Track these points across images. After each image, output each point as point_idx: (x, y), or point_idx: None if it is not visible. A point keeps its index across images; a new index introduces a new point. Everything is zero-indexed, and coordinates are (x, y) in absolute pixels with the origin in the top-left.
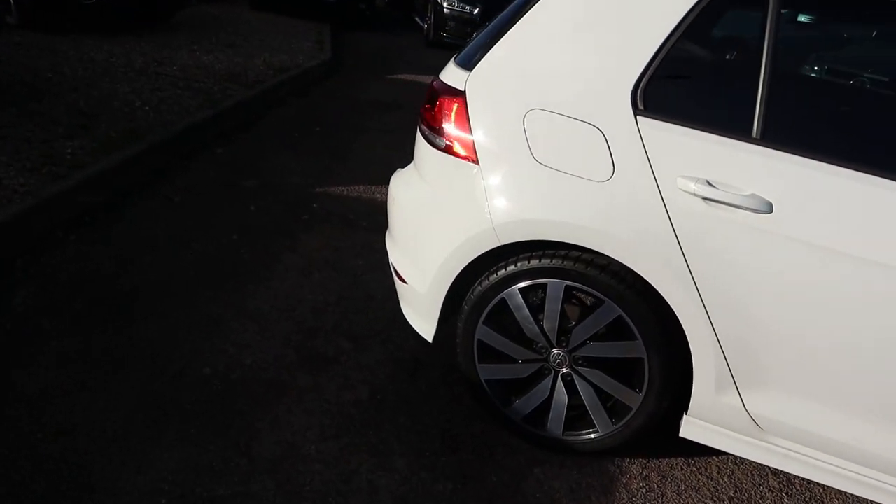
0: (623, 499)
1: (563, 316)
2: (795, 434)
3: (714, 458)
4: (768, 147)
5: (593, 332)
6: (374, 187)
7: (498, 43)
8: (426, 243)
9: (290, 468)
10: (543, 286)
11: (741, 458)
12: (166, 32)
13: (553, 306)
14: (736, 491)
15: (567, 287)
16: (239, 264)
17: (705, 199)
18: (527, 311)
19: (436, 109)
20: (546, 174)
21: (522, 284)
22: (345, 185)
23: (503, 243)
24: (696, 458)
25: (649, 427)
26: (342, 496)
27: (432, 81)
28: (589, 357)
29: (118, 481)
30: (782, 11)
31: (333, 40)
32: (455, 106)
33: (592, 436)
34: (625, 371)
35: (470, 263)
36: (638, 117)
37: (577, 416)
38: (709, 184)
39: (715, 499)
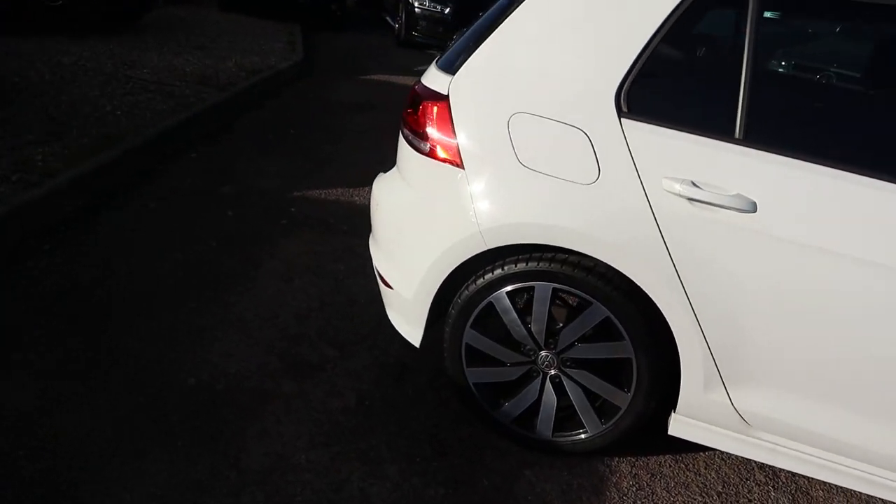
0: (614, 498)
1: (551, 318)
2: (782, 428)
3: (701, 454)
4: (751, 147)
5: (581, 333)
6: (351, 190)
7: (480, 46)
8: (412, 248)
9: (280, 479)
10: (531, 289)
11: (728, 453)
12: (134, 35)
13: (541, 309)
14: (724, 486)
15: (554, 289)
16: (219, 271)
17: (690, 199)
18: (514, 315)
19: (419, 114)
20: (532, 177)
21: (509, 288)
22: (322, 189)
23: (490, 247)
24: (683, 455)
25: (638, 426)
26: None
27: (414, 85)
28: (577, 358)
29: (105, 500)
30: (763, 13)
31: (304, 41)
32: (438, 110)
33: (582, 436)
34: (613, 371)
35: (456, 268)
36: (622, 119)
37: (567, 417)
38: (694, 184)
39: (704, 494)
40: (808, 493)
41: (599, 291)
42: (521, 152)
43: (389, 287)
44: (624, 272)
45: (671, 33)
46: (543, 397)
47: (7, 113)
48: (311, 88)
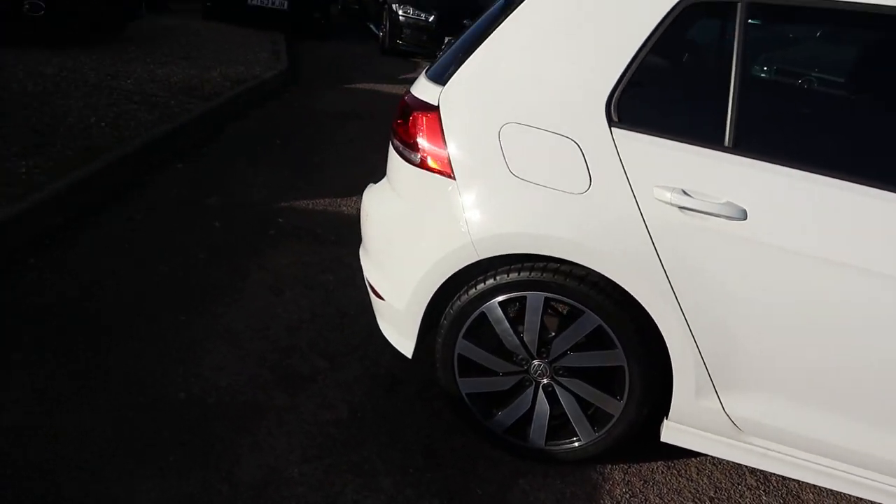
0: None
1: (543, 327)
2: (774, 433)
3: (693, 459)
4: (741, 155)
5: (573, 342)
6: (339, 200)
7: (470, 57)
8: (403, 260)
9: (274, 493)
10: (523, 299)
11: (719, 458)
12: (117, 45)
13: (533, 318)
14: (716, 491)
15: (546, 298)
16: (207, 284)
17: (681, 208)
18: (507, 324)
19: (409, 124)
20: (523, 187)
21: (502, 298)
22: (309, 199)
23: (482, 258)
24: (675, 461)
25: (631, 434)
26: None
27: (404, 96)
28: (569, 367)
29: None
30: (750, 22)
31: (289, 50)
32: (429, 121)
33: (576, 444)
34: (605, 379)
35: (448, 278)
36: (613, 129)
37: (559, 426)
38: (684, 193)
39: (696, 500)
40: (799, 497)
41: (591, 300)
42: (512, 162)
43: (381, 298)
44: (616, 281)
45: (660, 43)
46: (536, 406)
47: None
48: (297, 98)
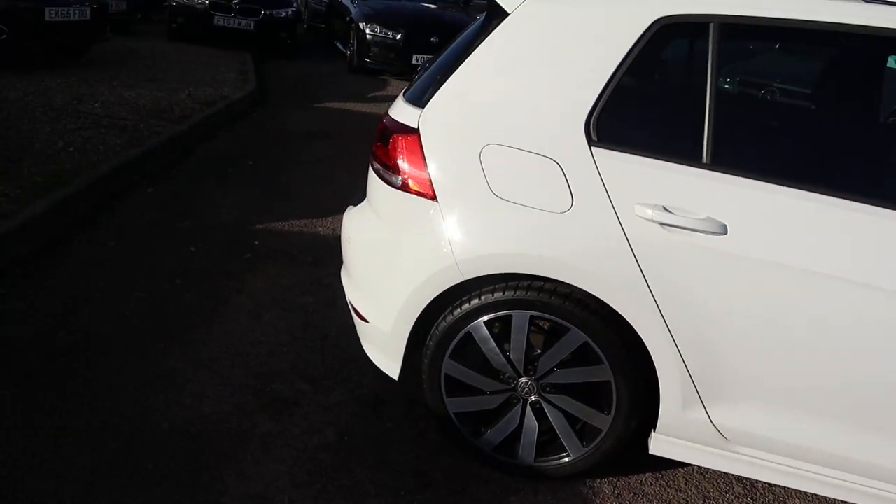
0: None
1: (529, 345)
2: (760, 442)
3: (680, 470)
4: (719, 171)
5: (560, 359)
6: (314, 220)
7: (449, 79)
8: (387, 282)
9: None
10: (508, 318)
11: (707, 468)
12: (83, 68)
13: (519, 337)
14: (704, 500)
15: (532, 316)
16: (185, 310)
17: (663, 224)
18: (493, 343)
19: (389, 147)
20: (506, 208)
21: (487, 317)
22: (284, 220)
23: (466, 278)
24: (663, 472)
25: (619, 448)
26: None
27: (382, 118)
28: (557, 384)
29: None
30: (723, 42)
31: (256, 70)
32: (409, 143)
33: (565, 460)
34: (592, 394)
35: (433, 299)
36: (593, 148)
37: (548, 442)
38: (665, 209)
39: None
40: (785, 502)
41: (577, 317)
42: (493, 183)
43: (365, 321)
44: (601, 298)
45: (636, 62)
46: (525, 424)
47: None
48: (266, 118)
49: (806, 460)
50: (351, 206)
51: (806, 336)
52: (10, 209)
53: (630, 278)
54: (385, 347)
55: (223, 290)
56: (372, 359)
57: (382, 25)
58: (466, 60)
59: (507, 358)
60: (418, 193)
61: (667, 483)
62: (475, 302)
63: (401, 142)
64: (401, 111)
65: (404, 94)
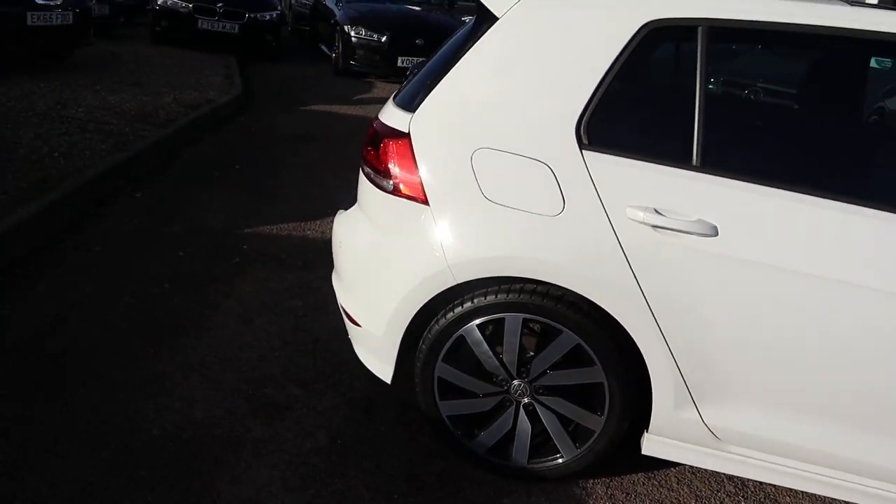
0: None
1: (522, 347)
2: (751, 441)
3: (672, 469)
4: (708, 173)
5: (552, 361)
6: (302, 224)
7: (439, 84)
8: (379, 286)
9: None
10: (501, 320)
11: (698, 467)
12: (65, 72)
13: (512, 339)
14: (696, 499)
15: (524, 318)
16: (174, 315)
17: (654, 226)
18: (486, 346)
19: (380, 152)
20: (498, 211)
21: (480, 320)
22: (272, 224)
23: (459, 282)
24: (655, 472)
25: (612, 448)
26: None
27: (372, 123)
28: (549, 385)
29: None
30: (711, 45)
31: (241, 73)
32: (400, 148)
33: (559, 461)
34: (585, 396)
35: (425, 303)
36: (584, 151)
37: (541, 443)
38: (656, 212)
39: None
40: (776, 500)
41: (569, 319)
42: (485, 187)
43: (357, 325)
44: (593, 300)
45: (626, 66)
46: (518, 426)
47: None
48: (252, 122)
49: (797, 459)
50: (342, 211)
51: (797, 336)
52: None
53: (622, 280)
54: (377, 351)
55: (212, 294)
56: (364, 363)
57: (367, 28)
58: (457, 65)
59: (500, 360)
60: (410, 198)
61: (659, 483)
62: (468, 305)
63: (391, 146)
64: (391, 115)
65: (394, 98)
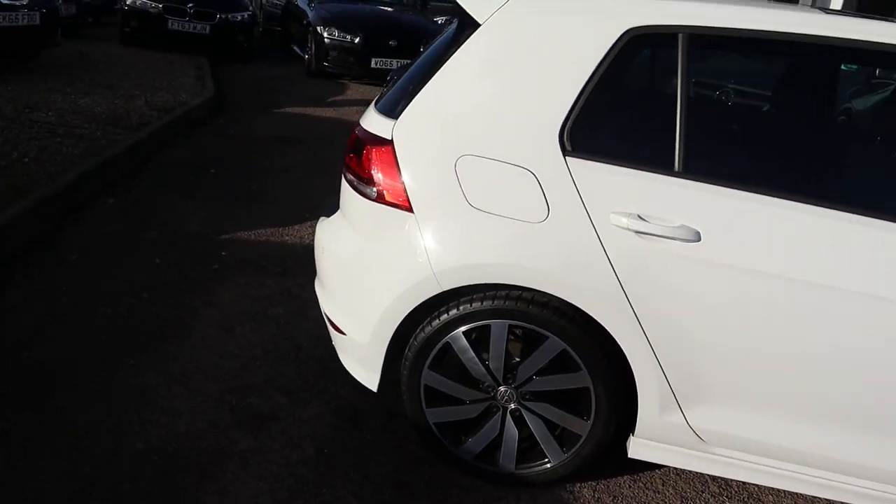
0: None
1: (508, 353)
2: (736, 442)
3: (657, 471)
4: (690, 179)
5: (539, 367)
6: (280, 229)
7: (422, 90)
8: (364, 294)
9: None
10: (487, 327)
11: (683, 469)
12: (33, 74)
13: (498, 346)
14: (682, 500)
15: (510, 325)
16: (154, 324)
17: (638, 232)
18: (472, 353)
19: (363, 159)
20: (482, 218)
21: (466, 327)
22: (251, 230)
23: (444, 289)
24: (640, 474)
25: (599, 452)
26: None
27: (354, 130)
28: (536, 391)
29: None
30: (692, 52)
31: (213, 74)
32: (383, 155)
33: (547, 466)
34: (571, 401)
35: (411, 310)
36: (567, 158)
37: (528, 448)
38: (640, 218)
39: None
40: (760, 499)
41: (555, 325)
42: (469, 194)
43: (342, 333)
44: (579, 306)
45: (608, 72)
46: (505, 432)
47: None
48: (226, 124)
49: (780, 459)
50: (323, 217)
51: (779, 339)
52: None
53: (607, 286)
54: (363, 359)
55: (192, 302)
56: (350, 371)
57: (340, 29)
58: (439, 71)
59: (487, 367)
60: (394, 205)
61: (644, 485)
62: (453, 312)
63: (375, 153)
64: (373, 122)
65: (376, 104)
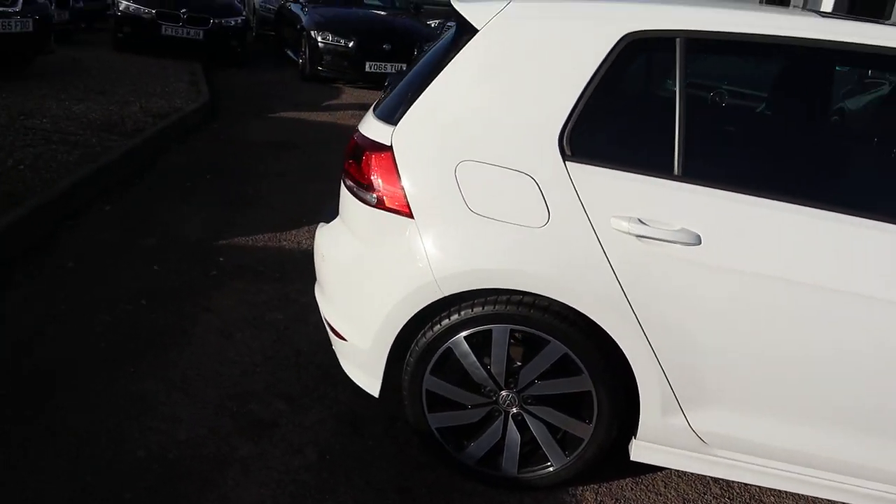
0: None
1: (509, 358)
2: (738, 444)
3: (659, 473)
4: (690, 183)
5: (540, 371)
6: (278, 234)
7: (421, 96)
8: (365, 300)
9: None
10: (488, 332)
11: (685, 471)
12: (27, 81)
13: (499, 350)
14: (684, 502)
15: (511, 330)
16: (153, 331)
17: (639, 236)
18: (473, 358)
19: (362, 165)
20: (483, 224)
21: (467, 332)
22: (248, 235)
23: (446, 294)
24: (642, 477)
25: (601, 456)
26: None
27: (352, 135)
28: (538, 395)
29: None
30: (689, 56)
31: (207, 79)
32: (383, 161)
33: (550, 469)
34: (573, 404)
35: (412, 316)
36: (567, 163)
37: (530, 452)
38: (640, 222)
39: None
40: (761, 500)
41: (556, 329)
42: (470, 199)
43: (343, 339)
44: (580, 310)
45: (607, 77)
46: (507, 436)
47: None
48: (221, 129)
49: (782, 460)
50: (322, 223)
51: (780, 341)
52: None
53: (608, 290)
54: (364, 365)
55: (191, 309)
56: (351, 377)
57: (334, 33)
58: (438, 77)
59: (488, 371)
60: (394, 211)
61: (647, 487)
62: (455, 317)
63: (374, 159)
64: (372, 128)
65: (374, 110)
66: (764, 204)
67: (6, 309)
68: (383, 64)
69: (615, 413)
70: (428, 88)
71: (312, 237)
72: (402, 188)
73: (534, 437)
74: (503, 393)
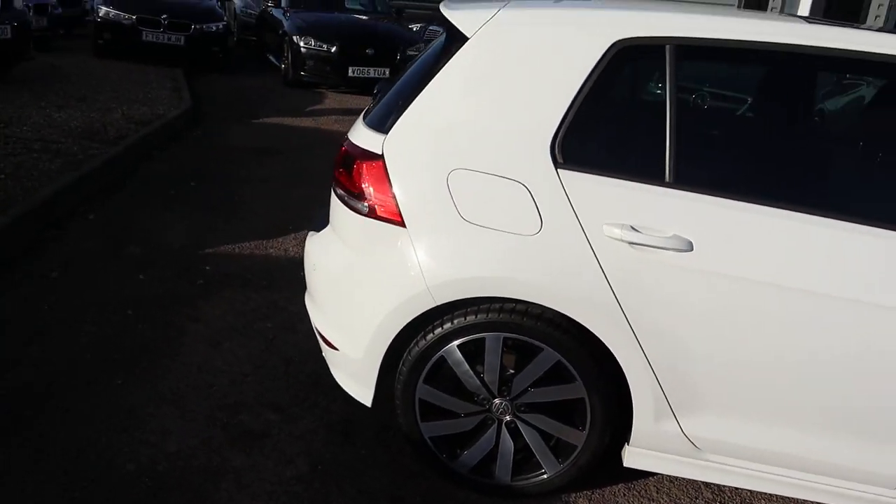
0: None
1: (502, 366)
2: (730, 449)
3: (651, 479)
4: (681, 189)
5: (534, 379)
6: (264, 242)
7: (412, 104)
8: (357, 309)
9: None
10: (481, 340)
11: (677, 476)
12: (5, 88)
13: (492, 359)
14: None
15: (504, 338)
16: (141, 342)
17: (631, 243)
18: (467, 366)
19: (353, 174)
20: (475, 232)
21: (460, 340)
22: (234, 243)
23: (438, 303)
24: (635, 482)
25: (594, 462)
26: None
27: (342, 145)
28: (531, 403)
29: None
30: (679, 63)
31: (189, 85)
32: (374, 169)
33: (543, 477)
34: (566, 411)
35: (405, 325)
36: (559, 170)
37: (524, 460)
38: (633, 229)
39: None
40: None
41: (550, 337)
42: (462, 208)
43: (334, 349)
44: (573, 318)
45: (597, 85)
46: (500, 444)
47: None
48: (204, 136)
49: (774, 464)
50: (312, 232)
51: (772, 347)
52: None
53: (601, 297)
54: (356, 375)
55: (178, 318)
56: (343, 386)
57: (316, 38)
58: (428, 85)
59: (482, 380)
60: (386, 220)
61: (639, 493)
62: (448, 326)
63: (365, 168)
64: (363, 137)
65: (364, 118)
66: (755, 210)
67: None
68: (366, 69)
69: (608, 420)
70: (419, 96)
71: (300, 244)
72: (394, 197)
73: (527, 445)
74: (496, 401)
